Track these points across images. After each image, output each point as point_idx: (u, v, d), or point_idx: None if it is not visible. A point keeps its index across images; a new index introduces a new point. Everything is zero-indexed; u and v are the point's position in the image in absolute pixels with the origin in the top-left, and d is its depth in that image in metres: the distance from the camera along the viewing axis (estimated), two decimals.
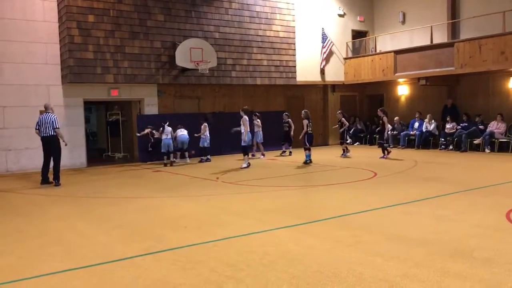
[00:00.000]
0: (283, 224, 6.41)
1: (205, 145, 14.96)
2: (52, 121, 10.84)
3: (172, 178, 11.77)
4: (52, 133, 10.85)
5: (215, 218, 7.05)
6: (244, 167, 12.85)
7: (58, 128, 10.94)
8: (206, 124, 14.95)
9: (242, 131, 12.97)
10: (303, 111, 14.08)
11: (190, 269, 4.69)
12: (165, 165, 14.07)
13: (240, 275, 4.47)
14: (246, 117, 12.97)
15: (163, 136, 14.12)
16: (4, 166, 13.70)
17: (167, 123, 14.32)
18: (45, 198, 9.33)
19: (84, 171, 13.76)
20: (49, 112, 11.01)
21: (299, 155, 14.83)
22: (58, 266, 4.94)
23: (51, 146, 10.92)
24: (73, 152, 14.45)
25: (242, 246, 5.48)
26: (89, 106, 16.47)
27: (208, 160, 15.00)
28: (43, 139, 10.97)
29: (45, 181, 11.07)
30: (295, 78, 18.36)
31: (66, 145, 11.36)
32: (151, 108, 16.11)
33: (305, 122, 13.61)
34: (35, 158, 14.03)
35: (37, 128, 11.06)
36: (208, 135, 14.95)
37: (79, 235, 6.31)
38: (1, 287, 4.43)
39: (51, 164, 11.04)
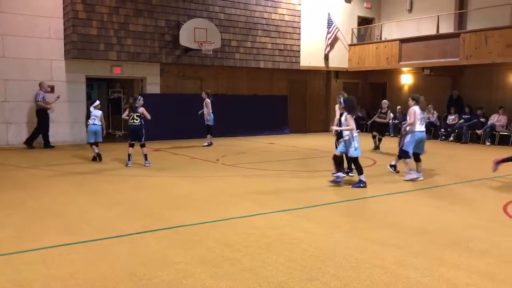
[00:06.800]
0: (281, 208, 6.44)
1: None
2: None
3: (171, 158, 11.79)
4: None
5: (214, 199, 7.08)
6: (205, 146, 13.93)
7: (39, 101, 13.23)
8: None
9: (205, 112, 13.89)
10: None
11: (188, 248, 4.73)
12: (94, 158, 10.81)
13: (237, 256, 4.51)
14: (208, 100, 13.89)
15: (90, 122, 10.73)
16: (5, 139, 13.70)
17: (96, 104, 10.88)
18: (46, 173, 9.35)
19: (85, 147, 13.70)
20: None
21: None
22: (57, 240, 4.98)
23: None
24: (74, 128, 14.57)
25: (240, 227, 5.51)
26: (91, 82, 16.40)
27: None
28: None
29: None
30: (299, 63, 18.22)
31: (58, 97, 13.71)
32: (153, 87, 16.05)
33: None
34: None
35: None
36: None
37: (78, 210, 6.35)
38: None
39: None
